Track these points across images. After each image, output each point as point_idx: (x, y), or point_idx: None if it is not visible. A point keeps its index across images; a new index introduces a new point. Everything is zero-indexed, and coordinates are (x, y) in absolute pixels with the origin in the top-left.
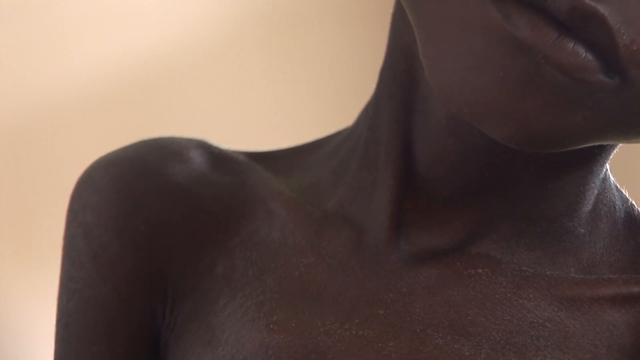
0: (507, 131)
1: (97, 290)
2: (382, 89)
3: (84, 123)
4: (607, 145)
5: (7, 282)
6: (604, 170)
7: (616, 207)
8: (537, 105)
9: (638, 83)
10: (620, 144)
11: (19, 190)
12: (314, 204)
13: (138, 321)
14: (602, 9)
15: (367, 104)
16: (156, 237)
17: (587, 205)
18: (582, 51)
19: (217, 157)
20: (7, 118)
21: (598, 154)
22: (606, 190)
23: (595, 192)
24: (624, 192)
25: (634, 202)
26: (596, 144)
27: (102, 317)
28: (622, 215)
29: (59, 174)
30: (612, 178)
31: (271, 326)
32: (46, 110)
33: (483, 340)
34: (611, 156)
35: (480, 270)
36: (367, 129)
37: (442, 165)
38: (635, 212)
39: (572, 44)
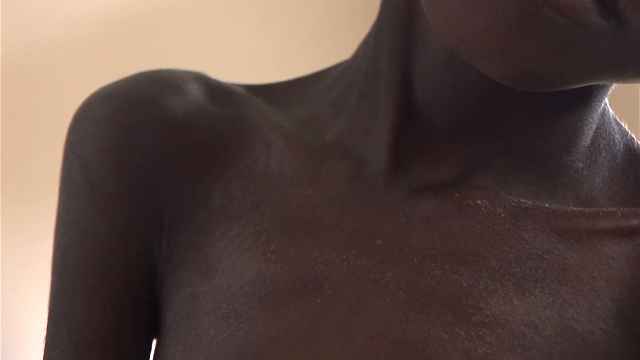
0: (502, 70)
1: (94, 222)
2: (383, 21)
3: (82, 57)
4: None
5: (7, 215)
6: (603, 104)
7: (615, 140)
8: (534, 46)
9: (635, 26)
10: None
11: (18, 125)
12: (312, 136)
13: (135, 253)
14: None
15: (367, 35)
16: (153, 169)
17: (586, 140)
18: None
19: (215, 90)
20: (5, 53)
21: (596, 90)
22: (605, 125)
23: (594, 126)
24: (623, 126)
25: (633, 136)
26: (592, 84)
27: (99, 249)
28: (622, 149)
29: (56, 107)
30: (611, 112)
31: (268, 256)
32: (44, 45)
33: (481, 271)
34: (610, 91)
35: (478, 201)
36: (367, 60)
37: (440, 99)
38: (635, 146)
39: None
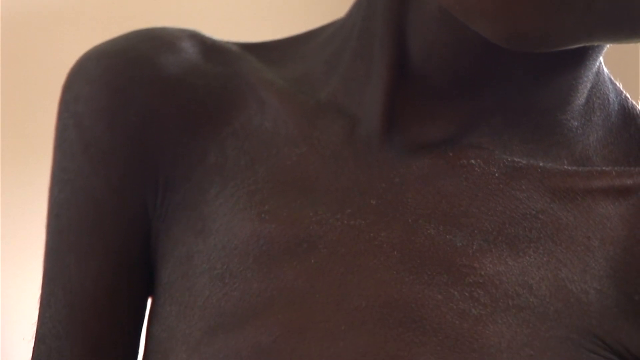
0: (496, 31)
1: (89, 181)
2: None
3: (78, 15)
4: None
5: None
6: (598, 63)
7: (610, 99)
8: (528, 7)
9: None
10: None
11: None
12: (307, 94)
13: (129, 212)
14: None
15: None
16: (148, 128)
17: (580, 99)
18: None
19: (210, 48)
20: (6, 6)
21: (591, 49)
22: (600, 84)
23: (589, 85)
24: (618, 85)
25: (627, 95)
26: (586, 45)
27: (94, 208)
28: (616, 108)
29: (52, 66)
30: (606, 71)
31: (263, 215)
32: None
33: (475, 231)
34: (604, 50)
35: (472, 161)
36: (361, 19)
37: (435, 57)
38: (629, 105)
39: None
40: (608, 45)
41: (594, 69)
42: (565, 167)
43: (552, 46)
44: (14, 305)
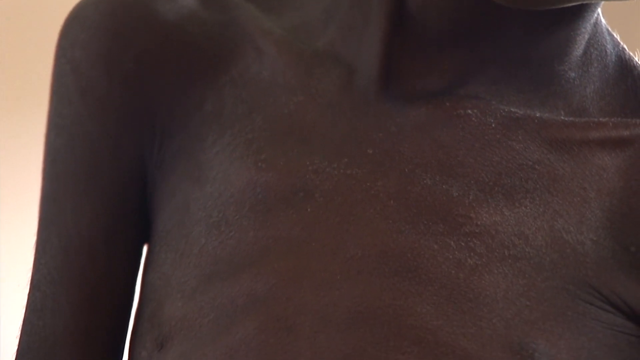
0: None
1: (85, 126)
2: None
3: None
4: None
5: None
6: (595, 15)
7: (607, 51)
8: None
9: None
10: None
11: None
12: (304, 43)
13: (126, 159)
14: None
15: None
16: (145, 74)
17: (578, 50)
18: None
19: None
20: None
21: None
22: (597, 35)
23: (586, 36)
24: (615, 36)
25: (625, 47)
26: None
27: (90, 153)
28: (613, 60)
29: (48, 13)
30: (603, 22)
31: (259, 164)
32: None
33: (471, 182)
34: (602, 3)
35: (469, 111)
36: None
37: (433, 6)
38: (626, 56)
39: None
40: None
41: (592, 21)
42: (562, 118)
43: (552, 4)
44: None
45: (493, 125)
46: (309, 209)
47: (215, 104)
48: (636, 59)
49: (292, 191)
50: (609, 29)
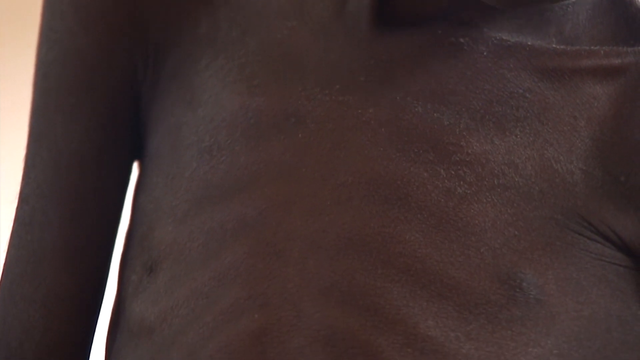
0: None
1: (78, 41)
2: None
3: None
4: None
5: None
6: None
7: None
8: None
9: None
10: None
11: None
12: None
13: (118, 75)
14: None
15: None
16: None
17: None
18: None
19: None
20: None
21: None
22: None
23: None
24: None
25: None
26: None
27: (82, 68)
28: None
29: None
30: None
31: (252, 89)
32: None
33: (462, 110)
34: None
35: (461, 39)
36: None
37: None
38: None
39: None
40: None
41: None
42: (554, 46)
43: None
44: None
45: (485, 53)
46: (300, 135)
47: (209, 26)
48: None
49: (284, 117)
50: None
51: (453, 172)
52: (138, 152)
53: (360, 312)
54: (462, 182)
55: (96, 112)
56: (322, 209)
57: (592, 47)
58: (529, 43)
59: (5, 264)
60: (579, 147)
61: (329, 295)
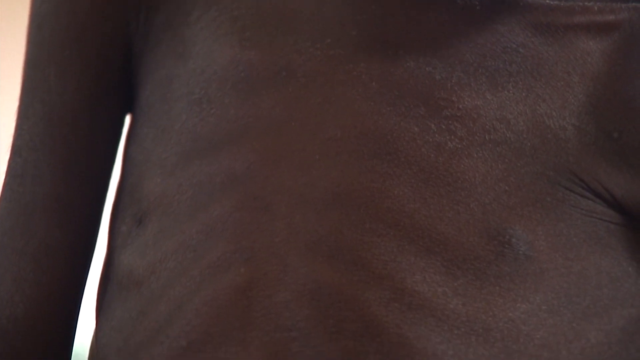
0: None
1: None
2: None
3: None
4: None
5: None
6: None
7: None
8: None
9: None
10: None
11: None
12: None
13: (111, 28)
14: None
15: None
16: None
17: None
18: None
19: None
20: None
21: None
22: None
23: None
24: None
25: None
26: None
27: (75, 21)
28: None
29: None
30: None
31: (243, 42)
32: None
33: (455, 64)
34: None
35: None
36: None
37: None
38: None
39: None
40: None
41: None
42: (548, 1)
43: None
44: None
45: (478, 7)
46: (290, 89)
47: None
48: None
49: (275, 71)
50: None
51: (444, 127)
52: (129, 106)
53: (347, 267)
54: (452, 137)
55: (89, 65)
56: (311, 163)
57: (586, 3)
58: None
59: None
60: (572, 103)
61: (315, 250)
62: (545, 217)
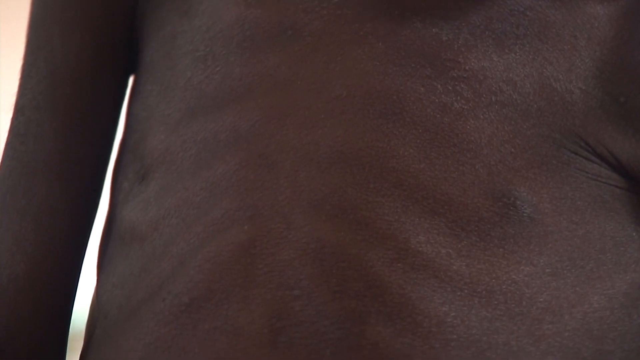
0: None
1: None
2: None
3: None
4: None
5: None
6: None
7: None
8: None
9: None
10: None
11: None
12: None
13: None
14: None
15: None
16: None
17: None
18: None
19: None
20: None
21: None
22: None
23: None
24: None
25: None
26: None
27: None
28: None
29: None
30: None
31: (249, 0)
32: None
33: (462, 25)
34: None
35: None
36: None
37: None
38: None
39: None
40: None
41: None
42: None
43: None
44: None
45: None
46: (296, 48)
47: None
48: None
49: (281, 29)
50: None
51: (450, 88)
52: (133, 66)
53: (350, 226)
54: (459, 98)
55: (93, 25)
56: (316, 121)
57: None
58: None
59: None
60: (578, 66)
61: (319, 209)
62: (550, 180)
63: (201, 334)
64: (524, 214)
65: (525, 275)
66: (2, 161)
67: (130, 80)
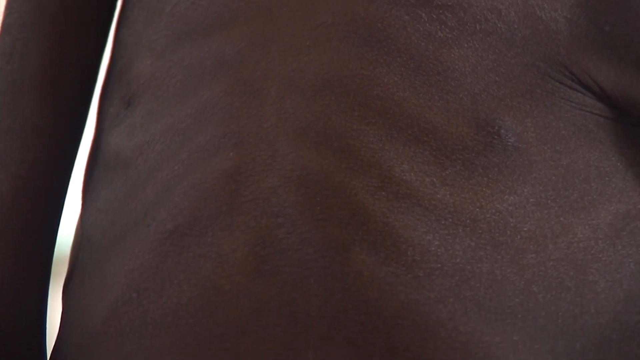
0: None
1: None
2: None
3: None
4: None
5: None
6: None
7: None
8: None
9: None
10: None
11: None
12: None
13: None
14: None
15: None
16: None
17: None
18: None
19: None
20: None
21: None
22: None
23: None
24: None
25: None
26: None
27: None
28: None
29: None
30: None
31: None
32: None
33: None
34: None
35: None
36: None
37: None
38: None
39: None
40: None
41: None
42: None
43: None
44: None
45: None
46: None
47: None
48: None
49: None
50: None
51: (434, 16)
52: None
53: (334, 154)
54: (443, 26)
55: None
56: (301, 49)
57: None
58: None
59: None
60: None
61: (304, 136)
62: (535, 109)
63: (185, 261)
64: (508, 143)
65: (510, 205)
66: None
67: (118, 5)
